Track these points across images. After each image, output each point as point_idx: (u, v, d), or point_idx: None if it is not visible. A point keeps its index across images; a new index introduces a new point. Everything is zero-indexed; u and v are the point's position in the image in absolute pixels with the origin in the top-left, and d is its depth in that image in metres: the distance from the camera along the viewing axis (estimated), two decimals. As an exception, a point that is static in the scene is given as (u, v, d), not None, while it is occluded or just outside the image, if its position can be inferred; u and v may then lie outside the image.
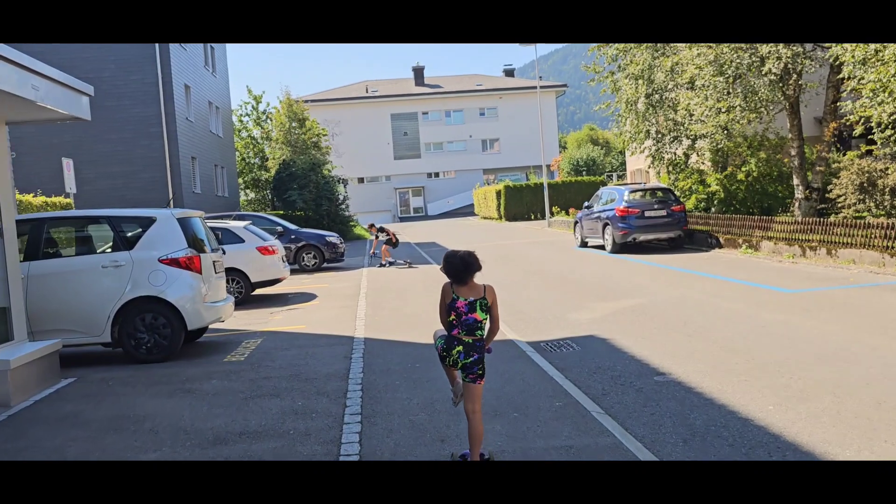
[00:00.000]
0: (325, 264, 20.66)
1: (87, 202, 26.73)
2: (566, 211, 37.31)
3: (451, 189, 66.99)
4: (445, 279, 4.84)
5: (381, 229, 21.10)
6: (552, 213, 37.07)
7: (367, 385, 7.29)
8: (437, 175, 68.32)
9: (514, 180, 52.18)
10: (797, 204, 17.83)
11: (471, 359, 4.70)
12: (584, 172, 52.29)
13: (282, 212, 38.68)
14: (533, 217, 43.27)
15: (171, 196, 26.72)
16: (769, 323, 9.40)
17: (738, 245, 18.11)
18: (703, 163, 21.70)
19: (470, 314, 4.67)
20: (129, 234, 9.13)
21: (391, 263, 20.09)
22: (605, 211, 20.43)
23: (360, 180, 65.49)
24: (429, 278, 16.70)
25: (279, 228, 20.35)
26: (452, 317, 4.71)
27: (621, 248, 19.71)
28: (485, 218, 50.31)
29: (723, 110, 16.83)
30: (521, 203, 44.17)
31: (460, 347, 4.70)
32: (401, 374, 7.71)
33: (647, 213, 19.47)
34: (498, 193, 45.80)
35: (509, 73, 75.61)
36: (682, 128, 21.37)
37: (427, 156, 67.91)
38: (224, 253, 9.96)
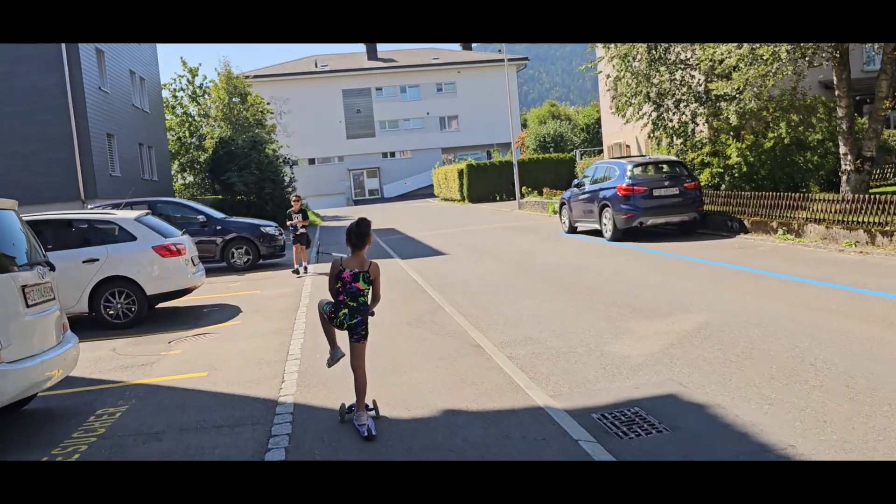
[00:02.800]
0: (261, 261, 16.73)
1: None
2: (538, 191, 33.77)
3: (408, 169, 63.15)
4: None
5: (300, 210, 15.16)
6: (522, 194, 33.50)
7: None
8: (392, 155, 64.46)
9: (475, 159, 48.56)
10: (845, 177, 14.46)
11: (355, 320, 5.27)
12: (550, 149, 48.77)
13: (220, 196, 34.47)
14: (499, 198, 39.68)
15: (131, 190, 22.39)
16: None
17: (771, 229, 14.71)
18: (708, 132, 18.24)
19: (353, 283, 5.22)
20: None
21: (305, 269, 14.81)
22: (602, 190, 16.86)
23: (311, 161, 61.14)
24: (393, 280, 12.96)
25: (201, 217, 16.32)
26: (339, 285, 5.26)
27: (623, 234, 16.19)
28: (446, 199, 46.63)
29: (765, 57, 13.29)
30: (486, 183, 40.54)
31: (346, 310, 5.26)
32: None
33: (655, 192, 15.95)
34: (460, 173, 42.12)
35: (467, 46, 71.69)
36: (692, 88, 17.87)
37: (382, 134, 63.92)
38: (53, 269, 6.04)
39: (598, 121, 47.24)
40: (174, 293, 10.66)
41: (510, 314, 9.24)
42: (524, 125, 66.20)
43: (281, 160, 36.05)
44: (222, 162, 33.19)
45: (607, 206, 16.45)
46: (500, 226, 23.54)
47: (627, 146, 29.71)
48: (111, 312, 10.22)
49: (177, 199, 17.27)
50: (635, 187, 15.87)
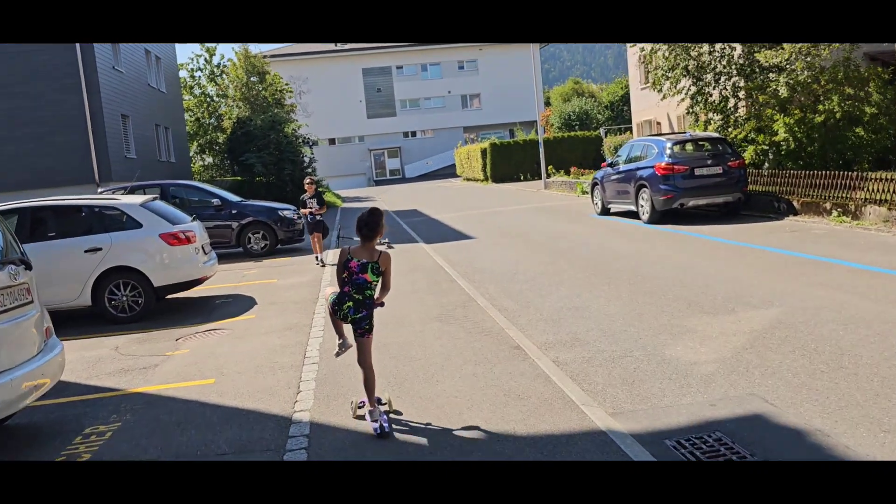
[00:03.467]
0: (279, 246, 15.93)
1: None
2: (565, 170, 32.67)
3: (430, 149, 62.13)
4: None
5: (315, 195, 13.65)
6: (548, 173, 32.43)
7: None
8: (413, 134, 63.42)
9: (498, 138, 47.42)
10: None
11: (360, 314, 4.98)
12: (576, 127, 47.49)
13: (240, 178, 33.77)
14: (523, 178, 38.66)
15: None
16: None
17: (824, 211, 13.64)
18: (747, 108, 17.08)
19: (360, 274, 4.94)
20: None
21: (322, 262, 13.47)
22: (639, 169, 15.84)
23: (332, 141, 60.53)
24: (419, 267, 12.10)
25: (215, 201, 15.52)
26: (345, 274, 4.97)
27: (661, 216, 15.19)
28: (468, 179, 45.65)
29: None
30: (510, 163, 39.51)
31: (350, 303, 4.97)
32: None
33: (697, 171, 14.90)
34: (483, 152, 41.09)
35: (489, 23, 70.10)
36: (733, 61, 16.74)
37: (403, 114, 62.85)
38: (29, 269, 5.20)
39: (623, 98, 45.89)
40: (183, 284, 9.85)
41: (549, 308, 8.35)
42: (547, 103, 64.82)
43: (300, 140, 35.23)
44: (241, 143, 32.48)
45: (644, 186, 15.44)
46: (528, 207, 22.58)
47: (658, 123, 28.49)
48: (116, 306, 9.46)
49: (190, 182, 16.45)
50: (675, 166, 14.83)
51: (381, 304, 5.13)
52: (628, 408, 5.08)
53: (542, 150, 31.93)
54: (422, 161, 61.80)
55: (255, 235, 15.55)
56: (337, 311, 5.03)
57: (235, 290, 11.30)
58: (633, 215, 16.38)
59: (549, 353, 6.50)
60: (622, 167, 16.85)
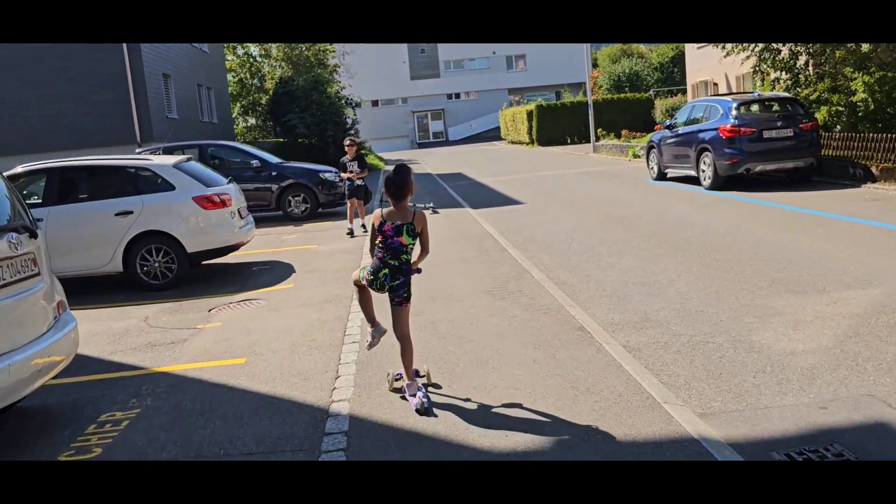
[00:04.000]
0: (319, 210, 15.33)
1: (25, 135, 21.53)
2: (615, 133, 31.44)
3: (474, 111, 60.97)
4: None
5: (357, 158, 12.53)
6: (598, 136, 31.26)
7: None
8: (457, 96, 62.31)
9: (544, 100, 46.06)
10: None
11: (397, 281, 4.64)
12: (625, 89, 45.87)
13: (282, 140, 33.31)
14: (570, 141, 37.49)
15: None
16: None
17: (908, 177, 12.52)
18: (813, 68, 15.81)
19: (396, 237, 4.59)
20: None
21: (363, 227, 12.37)
22: (700, 131, 14.80)
23: (375, 103, 59.72)
24: (466, 233, 11.39)
25: (255, 163, 14.94)
26: (379, 239, 4.63)
27: (725, 182, 14.18)
28: (513, 142, 44.60)
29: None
30: (557, 125, 38.33)
31: (386, 270, 4.62)
32: None
33: (765, 134, 13.82)
34: (529, 114, 39.97)
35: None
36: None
37: (447, 75, 61.68)
38: (34, 236, 4.58)
39: (674, 59, 44.16)
40: (218, 250, 9.27)
41: (612, 282, 7.58)
42: (595, 64, 62.94)
43: (343, 101, 34.55)
44: (282, 103, 31.95)
45: (707, 149, 14.41)
46: (577, 171, 21.64)
47: (715, 84, 27.08)
48: (148, 272, 8.94)
49: (229, 143, 15.75)
50: (742, 128, 13.77)
51: (419, 271, 4.80)
52: (719, 408, 4.34)
53: (591, 112, 30.73)
54: (465, 123, 60.73)
55: (296, 199, 14.96)
56: (373, 282, 4.66)
57: (274, 257, 10.73)
58: (693, 181, 15.39)
59: (618, 336, 5.77)
60: (681, 129, 15.82)
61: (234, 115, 40.02)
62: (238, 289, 8.68)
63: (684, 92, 36.74)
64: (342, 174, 12.72)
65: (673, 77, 44.27)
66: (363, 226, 12.46)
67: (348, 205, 12.58)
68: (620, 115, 35.28)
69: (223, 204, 9.17)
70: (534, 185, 18.41)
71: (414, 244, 4.68)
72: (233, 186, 9.83)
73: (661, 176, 16.91)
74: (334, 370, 5.39)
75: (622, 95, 39.51)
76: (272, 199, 14.88)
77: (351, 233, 12.21)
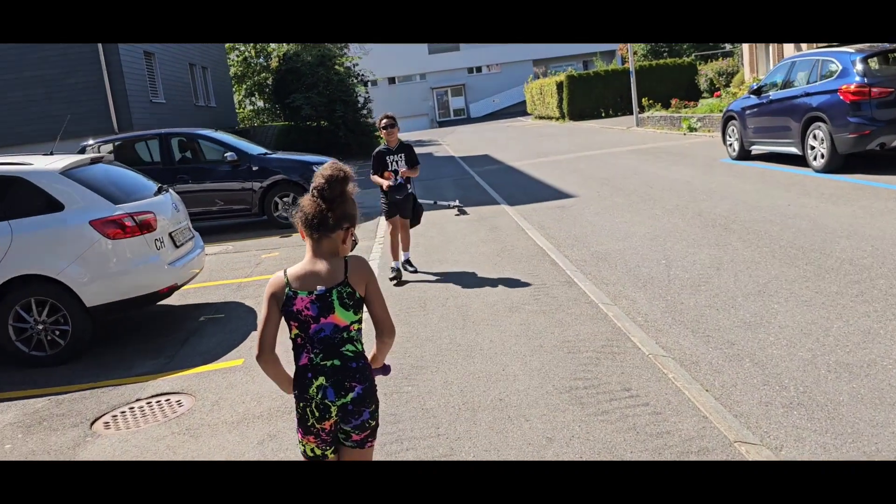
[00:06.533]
0: (317, 212, 12.05)
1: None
2: (662, 104, 27.80)
3: (497, 86, 57.53)
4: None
5: (403, 149, 7.46)
6: (642, 107, 27.67)
7: None
8: (479, 70, 58.85)
9: (575, 70, 42.37)
10: None
11: (350, 396, 2.48)
12: (664, 55, 42.02)
13: (288, 123, 30.15)
14: (604, 114, 33.93)
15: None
16: None
17: None
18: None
19: (322, 317, 2.45)
20: None
21: (409, 264, 7.79)
22: (807, 95, 11.32)
23: (391, 80, 56.47)
24: (509, 252, 8.13)
25: (229, 155, 11.66)
26: (294, 330, 2.49)
27: (845, 161, 10.74)
28: (541, 118, 41.05)
29: None
30: (590, 97, 34.78)
31: (322, 380, 2.46)
32: None
33: (904, 96, 10.35)
34: (559, 86, 36.39)
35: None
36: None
37: (467, 48, 58.06)
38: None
39: (721, 18, 40.11)
40: (136, 301, 6.07)
41: (782, 358, 4.30)
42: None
43: (354, 78, 31.25)
44: (287, 82, 28.76)
45: (819, 119, 10.94)
46: (626, 149, 18.19)
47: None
48: (28, 339, 5.80)
49: (198, 130, 12.34)
50: (873, 88, 10.27)
51: (386, 369, 2.72)
52: None
53: (633, 80, 27.11)
54: (488, 99, 57.32)
55: (284, 199, 11.69)
56: (305, 416, 2.51)
57: (238, 292, 7.53)
58: (794, 160, 11.96)
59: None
60: (775, 94, 12.34)
61: (239, 98, 36.92)
62: (160, 366, 5.50)
63: (732, 55, 32.96)
64: (377, 179, 7.44)
65: (716, 39, 40.37)
66: (408, 262, 7.82)
67: (387, 228, 7.92)
68: (661, 83, 31.74)
69: (142, 229, 5.95)
70: (579, 170, 15.05)
71: (359, 319, 2.53)
72: (164, 199, 6.59)
73: (745, 154, 13.45)
74: None
75: (663, 61, 35.77)
76: (254, 200, 11.63)
77: (398, 276, 7.44)
